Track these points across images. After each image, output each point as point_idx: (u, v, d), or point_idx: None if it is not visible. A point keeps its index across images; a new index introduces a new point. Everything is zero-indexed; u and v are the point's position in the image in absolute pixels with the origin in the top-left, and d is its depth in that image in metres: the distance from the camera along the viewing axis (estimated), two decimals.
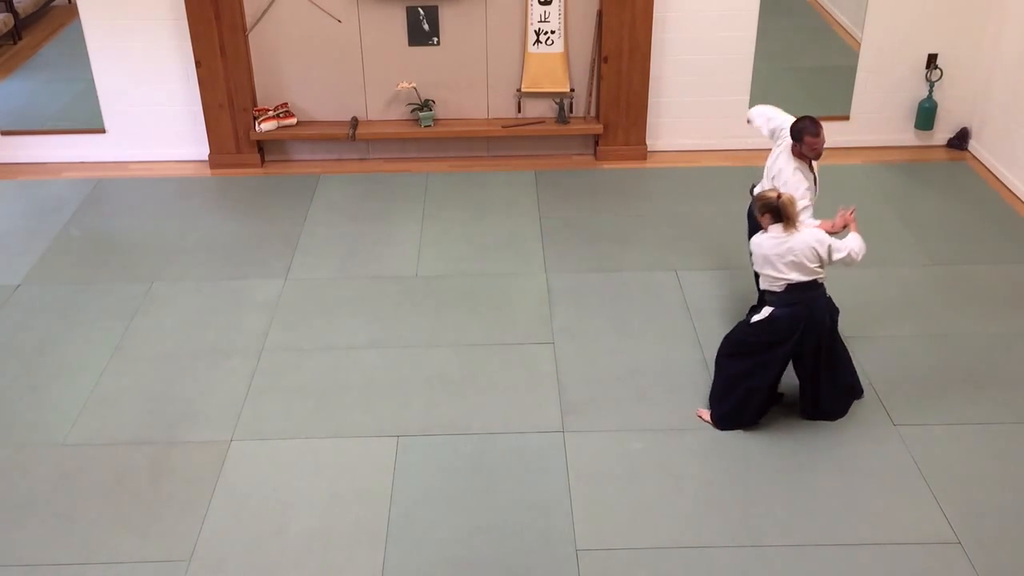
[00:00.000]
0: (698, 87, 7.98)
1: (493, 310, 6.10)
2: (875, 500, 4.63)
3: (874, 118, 8.16)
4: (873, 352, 5.64)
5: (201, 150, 8.11)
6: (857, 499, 4.63)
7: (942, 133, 8.22)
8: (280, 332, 5.94)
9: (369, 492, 4.71)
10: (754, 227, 5.10)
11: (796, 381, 5.11)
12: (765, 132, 5.46)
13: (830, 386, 5.03)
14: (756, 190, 5.27)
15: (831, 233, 4.88)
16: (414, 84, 7.86)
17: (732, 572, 4.27)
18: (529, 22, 7.71)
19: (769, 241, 4.77)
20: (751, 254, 4.91)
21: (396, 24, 7.72)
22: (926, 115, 8.04)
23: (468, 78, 7.93)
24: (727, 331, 5.87)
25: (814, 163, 5.23)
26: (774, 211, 4.73)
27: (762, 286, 4.95)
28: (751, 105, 8.01)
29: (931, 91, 7.97)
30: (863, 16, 7.81)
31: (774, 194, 4.76)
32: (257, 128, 7.88)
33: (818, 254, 4.73)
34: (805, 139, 5.05)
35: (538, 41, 7.77)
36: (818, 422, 5.10)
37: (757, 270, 4.92)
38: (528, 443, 5.01)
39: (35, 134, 8.21)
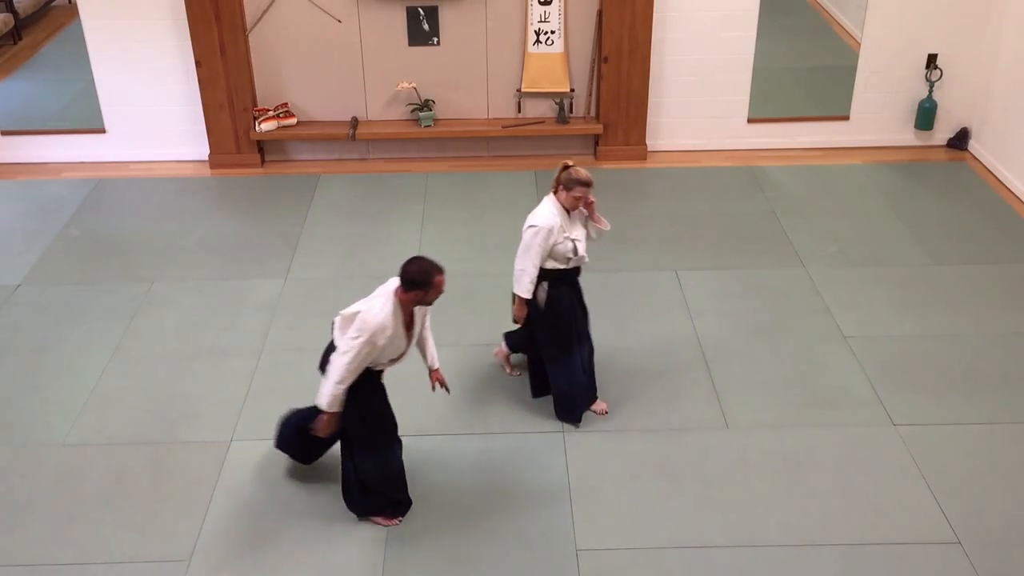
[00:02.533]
0: (698, 87, 7.98)
1: (493, 310, 6.09)
2: (875, 500, 4.62)
3: (874, 118, 8.16)
4: (873, 352, 5.64)
5: (201, 150, 8.11)
6: (857, 499, 4.63)
7: (942, 133, 8.22)
8: (280, 332, 5.93)
9: None
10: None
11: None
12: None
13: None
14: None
15: None
16: (414, 84, 7.86)
17: (732, 572, 4.27)
18: (529, 22, 7.70)
19: None
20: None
21: (396, 24, 7.72)
22: (926, 115, 8.04)
23: (468, 78, 7.93)
24: (727, 331, 5.88)
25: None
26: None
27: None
28: (751, 105, 8.07)
29: (931, 91, 7.97)
30: (863, 16, 7.81)
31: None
32: (257, 128, 7.87)
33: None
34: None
35: (538, 41, 7.76)
36: (819, 423, 5.10)
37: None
38: (528, 443, 5.01)
39: (35, 134, 8.21)
